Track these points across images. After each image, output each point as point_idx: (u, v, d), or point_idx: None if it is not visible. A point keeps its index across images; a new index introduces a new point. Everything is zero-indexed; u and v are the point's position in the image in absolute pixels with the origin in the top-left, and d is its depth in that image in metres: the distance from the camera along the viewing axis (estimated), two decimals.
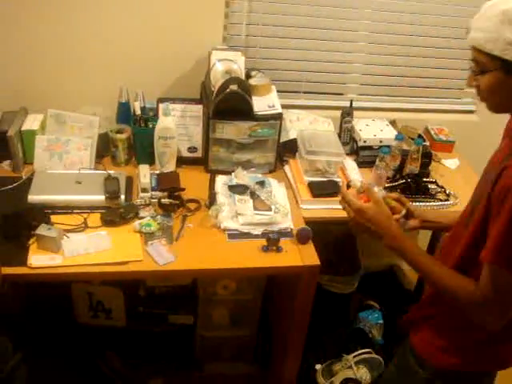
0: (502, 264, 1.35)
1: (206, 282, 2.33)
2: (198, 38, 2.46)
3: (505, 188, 1.32)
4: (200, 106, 2.40)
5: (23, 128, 2.34)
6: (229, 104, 2.24)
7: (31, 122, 2.37)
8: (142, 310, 2.41)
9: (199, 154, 2.44)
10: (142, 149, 2.36)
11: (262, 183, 2.26)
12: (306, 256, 2.00)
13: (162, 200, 2.14)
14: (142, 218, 2.06)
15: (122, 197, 2.12)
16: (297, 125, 2.59)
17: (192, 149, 2.43)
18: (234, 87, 2.24)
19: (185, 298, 2.39)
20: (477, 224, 1.46)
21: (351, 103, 2.63)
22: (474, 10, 2.62)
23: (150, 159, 2.34)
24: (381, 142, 2.59)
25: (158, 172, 2.31)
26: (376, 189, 1.74)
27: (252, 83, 2.40)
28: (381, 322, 2.70)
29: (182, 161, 2.40)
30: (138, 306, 2.40)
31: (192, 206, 2.17)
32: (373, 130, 2.66)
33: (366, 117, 2.75)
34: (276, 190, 2.28)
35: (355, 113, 2.65)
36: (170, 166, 2.35)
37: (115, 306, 2.38)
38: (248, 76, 2.45)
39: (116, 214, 2.05)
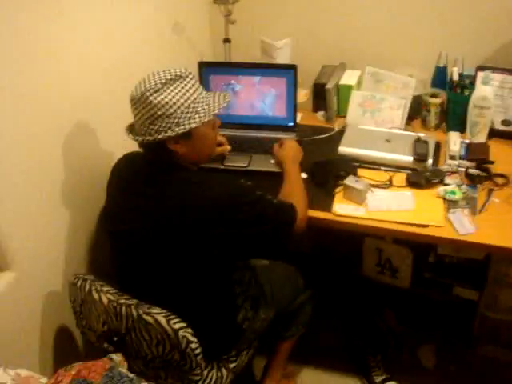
0: None
1: (500, 261, 2.23)
2: None
3: None
4: None
5: (341, 82, 2.46)
6: None
7: (348, 78, 2.49)
8: (429, 275, 2.40)
9: None
10: (455, 116, 2.32)
11: None
12: None
13: (470, 170, 2.11)
14: (447, 184, 2.05)
15: (430, 161, 2.12)
16: None
17: (506, 122, 2.32)
18: None
19: (474, 272, 2.33)
20: None
21: None
22: None
23: (460, 127, 2.30)
24: None
25: (467, 141, 2.26)
26: None
27: None
28: None
29: (493, 133, 2.32)
30: (425, 270, 2.40)
31: (500, 180, 2.08)
32: None
33: None
34: None
35: None
36: (481, 137, 2.28)
37: (403, 267, 2.42)
38: None
39: (422, 176, 2.07)
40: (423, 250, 2.38)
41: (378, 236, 2.38)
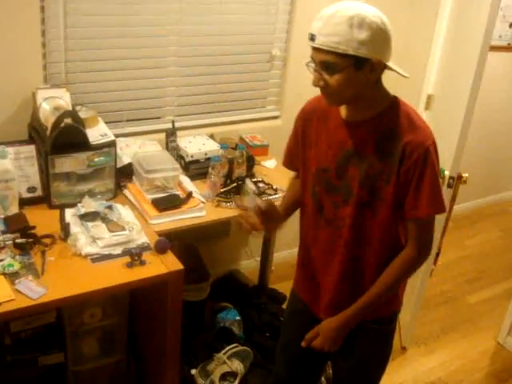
0: (438, 208, 1.73)
1: (72, 314, 2.34)
2: (18, 81, 2.51)
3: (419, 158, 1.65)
4: (32, 146, 2.47)
5: None
6: (65, 138, 2.33)
7: None
8: (11, 358, 2.34)
9: (39, 192, 2.46)
10: None
11: (110, 207, 2.35)
12: (169, 263, 2.15)
13: (17, 240, 2.15)
14: (2, 260, 2.05)
15: None
16: (127, 151, 2.71)
17: (31, 189, 2.45)
18: (68, 121, 2.33)
19: (52, 336, 2.37)
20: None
21: (173, 124, 2.84)
22: (268, 27, 3.03)
23: None
24: (206, 154, 2.82)
25: (3, 216, 2.30)
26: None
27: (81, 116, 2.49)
28: (238, 318, 2.90)
29: (23, 202, 2.40)
30: (5, 355, 2.33)
31: (48, 240, 2.19)
32: (196, 145, 2.89)
33: (187, 135, 2.98)
34: (124, 213, 2.38)
35: (178, 132, 2.86)
36: (14, 209, 2.34)
37: None
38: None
39: None
40: None
41: None
